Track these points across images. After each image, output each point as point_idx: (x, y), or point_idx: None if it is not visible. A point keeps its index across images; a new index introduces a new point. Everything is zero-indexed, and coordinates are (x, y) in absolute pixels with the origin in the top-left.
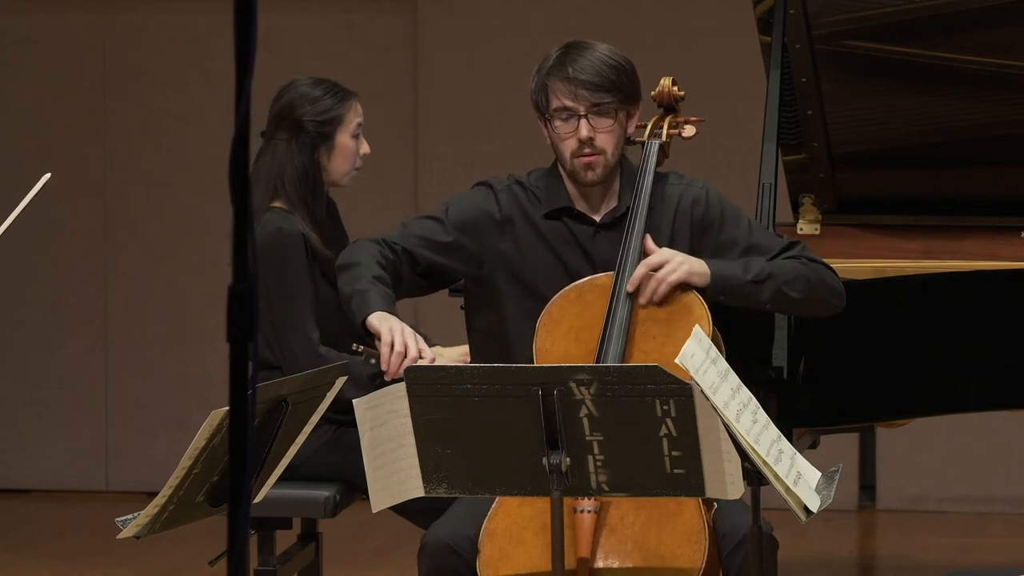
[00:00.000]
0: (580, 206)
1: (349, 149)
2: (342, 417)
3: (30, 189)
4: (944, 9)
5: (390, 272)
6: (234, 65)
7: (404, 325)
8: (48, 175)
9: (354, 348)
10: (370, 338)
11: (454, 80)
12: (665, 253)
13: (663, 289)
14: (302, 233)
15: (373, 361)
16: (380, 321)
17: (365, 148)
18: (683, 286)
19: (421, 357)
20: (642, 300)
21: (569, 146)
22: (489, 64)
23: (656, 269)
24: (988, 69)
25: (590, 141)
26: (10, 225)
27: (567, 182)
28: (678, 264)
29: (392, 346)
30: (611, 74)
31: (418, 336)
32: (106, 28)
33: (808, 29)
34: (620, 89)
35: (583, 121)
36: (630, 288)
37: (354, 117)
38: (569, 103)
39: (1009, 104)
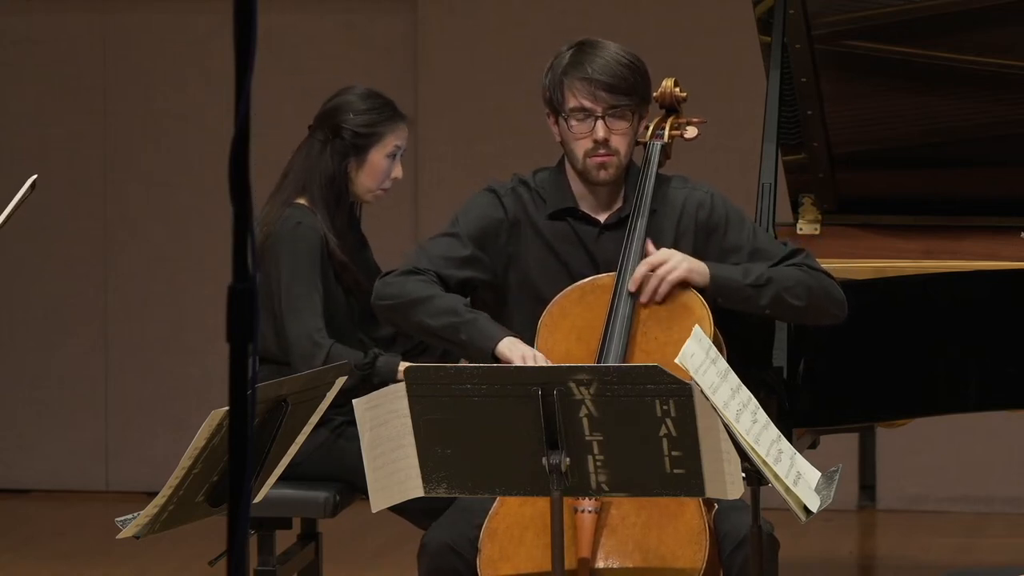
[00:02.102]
0: (585, 207)
1: (378, 168)
2: (341, 415)
3: (30, 194)
4: (944, 9)
5: None
6: (234, 65)
7: (534, 351)
8: (35, 176)
9: None
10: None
11: (454, 80)
12: (664, 252)
13: (663, 288)
14: (321, 232)
15: None
16: (511, 350)
17: (398, 172)
18: (684, 286)
19: None
20: (643, 299)
21: (583, 146)
22: (489, 64)
23: (656, 268)
24: (988, 69)
25: (605, 142)
26: (8, 225)
27: (573, 182)
28: (678, 263)
29: None
30: (629, 75)
31: (548, 361)
32: (106, 28)
33: (808, 29)
34: (637, 92)
35: (600, 122)
36: (631, 288)
37: (393, 140)
38: (588, 104)
39: (1009, 104)
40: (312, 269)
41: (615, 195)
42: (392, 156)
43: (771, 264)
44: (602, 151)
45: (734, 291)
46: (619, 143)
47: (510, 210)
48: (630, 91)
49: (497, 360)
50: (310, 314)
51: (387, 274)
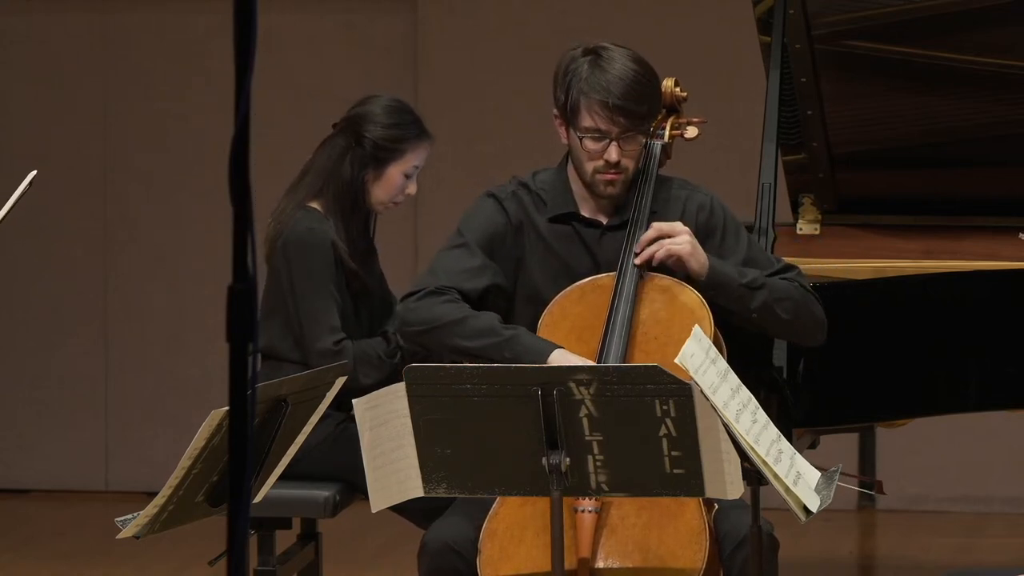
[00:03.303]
0: (586, 210)
1: (394, 184)
2: (344, 415)
3: (28, 190)
4: (944, 9)
5: None
6: (234, 65)
7: (583, 359)
8: (34, 172)
9: None
10: None
11: (454, 80)
12: (678, 226)
13: (662, 253)
14: (331, 239)
15: None
16: (561, 362)
17: (412, 189)
18: (683, 286)
19: None
20: (638, 261)
21: (594, 164)
22: (489, 64)
23: (664, 236)
24: (988, 69)
25: (616, 163)
26: (8, 224)
27: (575, 184)
28: (685, 240)
29: None
30: (647, 95)
31: None
32: (106, 28)
33: (808, 29)
34: (652, 114)
35: (614, 145)
36: (638, 249)
37: (414, 158)
38: (604, 127)
39: (1009, 104)
40: (325, 277)
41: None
42: (409, 175)
43: (765, 274)
44: (612, 171)
45: (728, 288)
46: (629, 162)
47: (513, 215)
48: (647, 115)
49: None
50: (327, 325)
51: (407, 297)
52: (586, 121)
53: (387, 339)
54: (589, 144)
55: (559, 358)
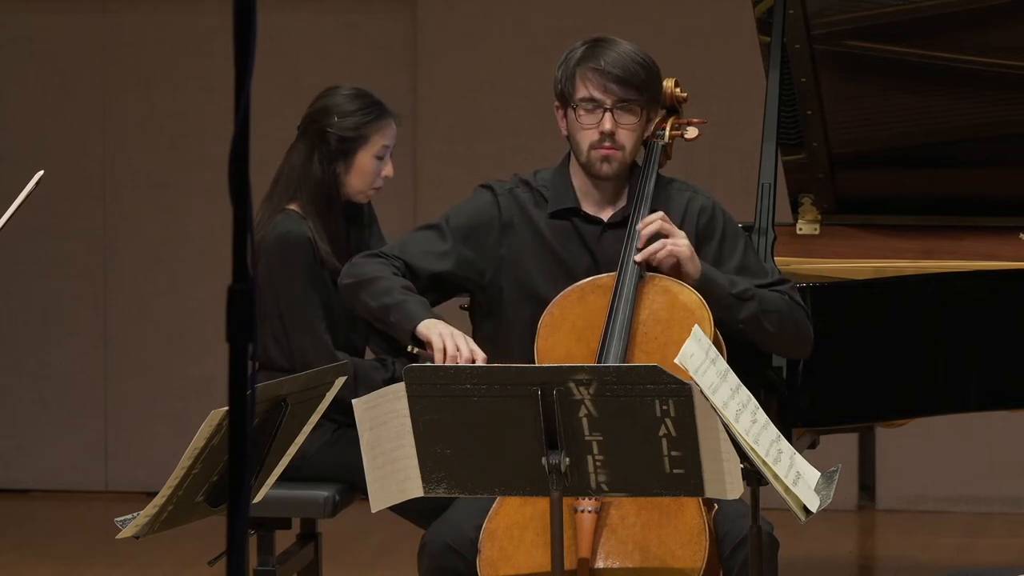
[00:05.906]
0: (587, 205)
1: (367, 170)
2: (342, 418)
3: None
4: (944, 9)
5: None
6: (234, 65)
7: (452, 328)
8: (41, 172)
9: (410, 350)
10: (421, 347)
11: (454, 80)
12: (677, 229)
13: (663, 253)
14: (309, 238)
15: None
16: (429, 328)
17: (388, 171)
18: (683, 286)
19: (474, 359)
20: (639, 257)
21: (589, 137)
22: (489, 64)
23: (667, 235)
24: (988, 69)
25: (611, 135)
26: (9, 224)
27: (576, 178)
28: (686, 244)
29: (445, 351)
30: (641, 72)
31: (468, 337)
32: (106, 28)
33: (807, 29)
34: (647, 89)
35: (608, 115)
36: (640, 228)
37: (380, 140)
38: (597, 95)
39: (1009, 104)
40: (310, 279)
41: (619, 193)
42: (380, 156)
43: (757, 284)
44: (607, 144)
45: (718, 296)
46: (625, 138)
47: (505, 211)
48: (641, 87)
49: (419, 341)
50: (322, 329)
51: (358, 255)
52: (580, 92)
53: (385, 366)
54: (584, 115)
55: (427, 325)
